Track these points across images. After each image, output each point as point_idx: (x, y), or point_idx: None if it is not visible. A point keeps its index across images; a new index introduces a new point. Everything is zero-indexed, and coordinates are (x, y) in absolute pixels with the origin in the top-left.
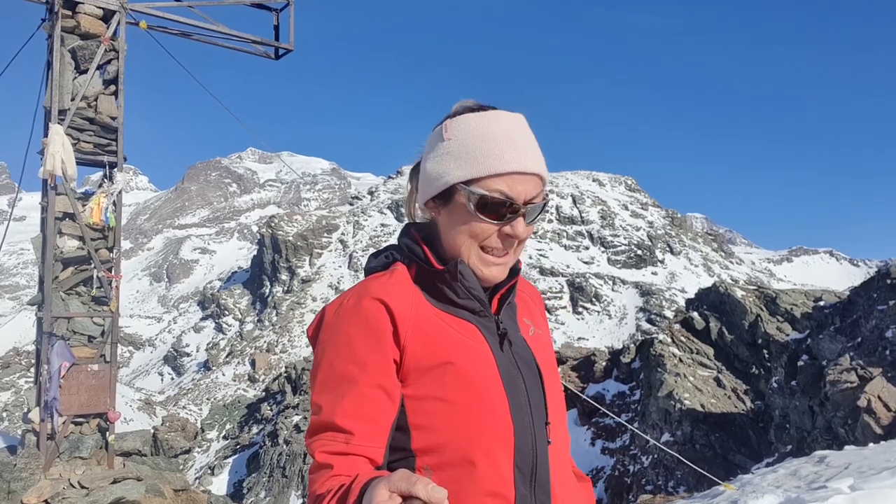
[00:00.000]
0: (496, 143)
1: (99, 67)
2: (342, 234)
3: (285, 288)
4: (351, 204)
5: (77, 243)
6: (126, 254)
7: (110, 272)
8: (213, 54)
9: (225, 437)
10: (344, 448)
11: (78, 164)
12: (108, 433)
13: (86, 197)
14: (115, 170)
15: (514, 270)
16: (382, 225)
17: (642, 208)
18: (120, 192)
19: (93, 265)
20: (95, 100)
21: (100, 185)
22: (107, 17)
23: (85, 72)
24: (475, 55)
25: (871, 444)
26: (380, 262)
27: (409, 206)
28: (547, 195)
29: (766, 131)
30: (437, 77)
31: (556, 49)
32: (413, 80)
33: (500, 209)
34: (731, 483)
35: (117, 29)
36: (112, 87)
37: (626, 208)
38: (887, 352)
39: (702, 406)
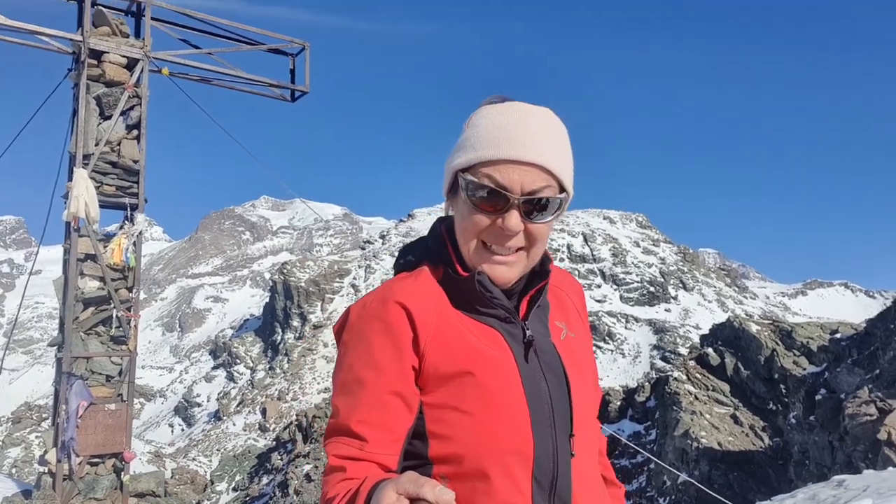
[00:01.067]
0: (499, 131)
1: (122, 113)
2: (354, 278)
3: (297, 334)
4: (363, 248)
5: (98, 284)
6: (140, 305)
7: (129, 311)
8: (227, 103)
9: (234, 489)
10: (357, 453)
11: (100, 206)
12: (123, 473)
13: (107, 238)
14: (136, 211)
15: (544, 272)
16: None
17: (654, 245)
18: (140, 233)
19: (112, 305)
20: (118, 144)
21: (121, 227)
22: (130, 65)
23: (109, 118)
24: (480, 94)
25: (889, 468)
26: (409, 261)
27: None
28: (563, 193)
29: (777, 164)
30: (447, 120)
31: (565, 90)
32: (422, 121)
33: (491, 199)
34: None
35: (140, 76)
36: (135, 132)
37: (638, 245)
38: None
39: (719, 444)
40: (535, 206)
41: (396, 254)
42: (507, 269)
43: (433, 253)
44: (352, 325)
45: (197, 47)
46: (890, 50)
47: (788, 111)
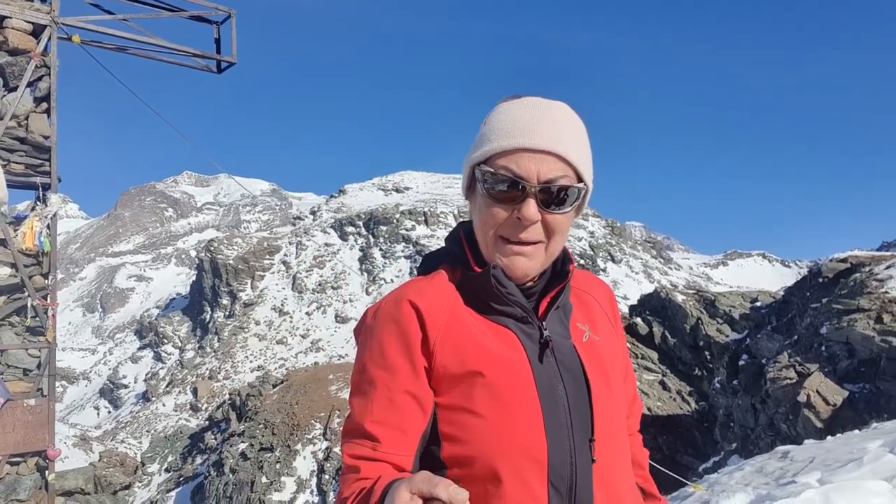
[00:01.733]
0: (513, 122)
1: (29, 84)
2: (285, 255)
3: (227, 313)
4: (293, 224)
5: (9, 271)
6: (57, 285)
7: (46, 300)
8: (150, 75)
9: (167, 470)
10: (371, 454)
11: (9, 186)
12: (47, 472)
13: (18, 221)
14: (49, 191)
15: (565, 272)
16: (326, 244)
17: (583, 219)
18: (55, 215)
19: (27, 293)
20: (26, 118)
21: (32, 209)
22: (37, 31)
23: (14, 89)
24: (420, 78)
25: (830, 438)
26: (428, 265)
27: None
28: (581, 184)
29: (698, 137)
30: (382, 96)
31: (497, 59)
32: (355, 98)
33: (508, 189)
34: (699, 483)
35: (48, 44)
36: (44, 105)
37: None
38: (823, 348)
39: (649, 409)
40: (552, 197)
41: (328, 230)
42: (525, 261)
43: (451, 255)
44: (367, 326)
45: (111, 13)
46: (801, 24)
47: (704, 83)
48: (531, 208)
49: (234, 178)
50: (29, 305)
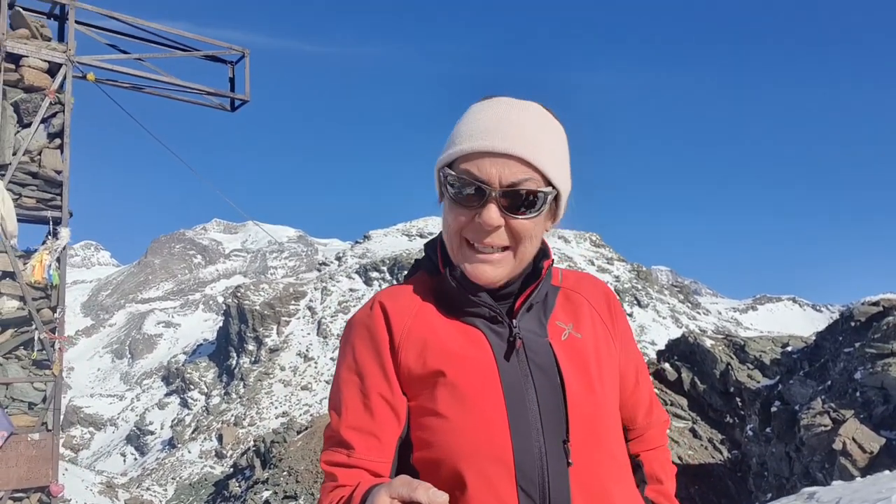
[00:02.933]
0: (477, 125)
1: (43, 121)
2: (310, 300)
3: (252, 358)
4: (318, 270)
5: (17, 303)
6: (87, 331)
7: (53, 333)
8: (176, 122)
9: None
10: (346, 460)
11: (20, 220)
12: None
13: (27, 254)
14: (60, 225)
15: (537, 271)
16: (351, 290)
17: (608, 263)
18: (64, 249)
19: (34, 326)
20: (39, 154)
21: (43, 242)
22: (52, 70)
23: (28, 125)
24: (435, 116)
25: (858, 479)
26: (411, 271)
27: None
28: (549, 188)
29: (726, 181)
30: (402, 141)
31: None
32: (378, 142)
33: (469, 193)
34: None
35: (63, 82)
36: (57, 141)
37: (593, 264)
38: (857, 393)
39: (679, 458)
40: (517, 201)
41: (353, 275)
42: (491, 269)
43: (428, 261)
44: (344, 333)
45: (126, 52)
46: (825, 59)
47: (735, 126)
48: (492, 213)
49: (259, 225)
50: (36, 339)
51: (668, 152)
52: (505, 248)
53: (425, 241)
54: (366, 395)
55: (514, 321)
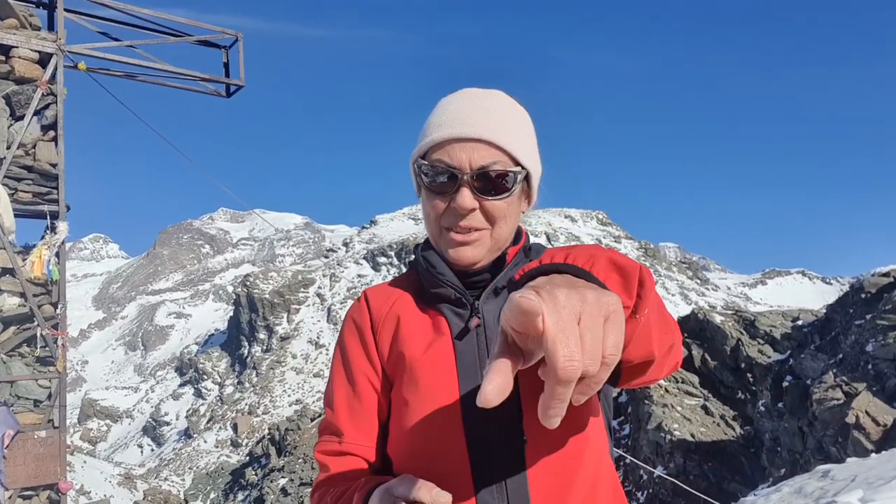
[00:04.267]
0: (445, 115)
1: (36, 113)
2: (319, 287)
3: (264, 347)
4: (326, 257)
5: (18, 300)
6: (99, 324)
7: (55, 329)
8: (170, 110)
9: None
10: (337, 447)
11: (17, 215)
12: None
13: (26, 250)
14: (58, 220)
15: (504, 255)
16: (359, 276)
17: (615, 241)
18: (63, 243)
19: (36, 323)
20: (33, 147)
21: (41, 237)
22: (43, 60)
23: (21, 118)
24: (438, 96)
25: (874, 455)
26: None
27: None
28: (518, 167)
29: (732, 156)
30: (408, 123)
31: (522, 89)
32: (384, 126)
33: (443, 180)
34: None
35: (55, 72)
36: (51, 133)
37: (600, 242)
38: (869, 366)
39: (692, 436)
40: (490, 183)
41: (361, 261)
42: (470, 249)
43: (417, 259)
44: (341, 325)
45: (118, 40)
46: (854, 42)
47: (741, 101)
48: (465, 196)
49: (260, 215)
50: (38, 335)
51: (675, 129)
52: (480, 229)
53: None
54: (355, 382)
55: (477, 303)
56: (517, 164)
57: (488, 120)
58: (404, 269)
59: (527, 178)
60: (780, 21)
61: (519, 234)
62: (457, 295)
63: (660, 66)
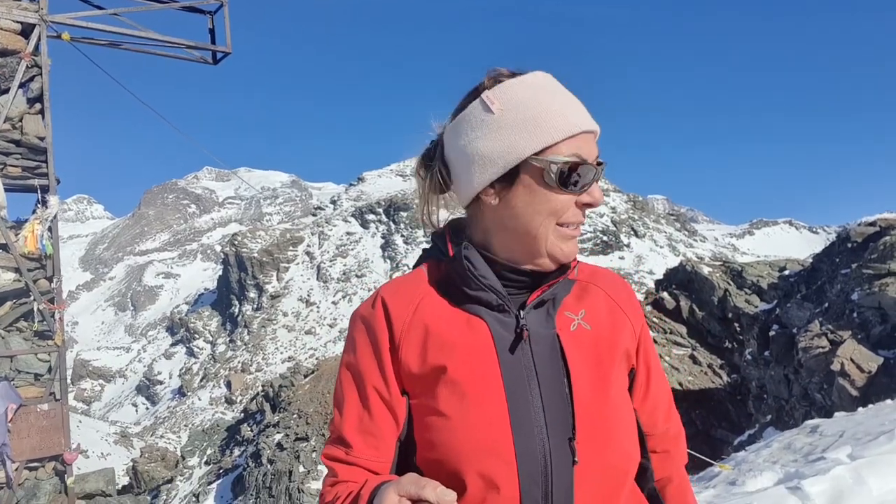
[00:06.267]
0: (558, 105)
1: (21, 85)
2: (308, 245)
3: (255, 305)
4: (314, 215)
5: (13, 275)
6: (87, 285)
7: (52, 303)
8: (154, 72)
9: (207, 463)
10: (344, 457)
11: (7, 190)
12: (66, 476)
13: (18, 225)
14: (48, 193)
15: (567, 265)
16: (348, 233)
17: (604, 195)
18: (55, 217)
19: (32, 297)
20: (20, 120)
21: (33, 211)
22: (26, 31)
23: (6, 91)
24: (437, 58)
25: (861, 409)
26: (418, 262)
27: (425, 209)
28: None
29: (719, 106)
30: (393, 80)
31: (508, 39)
32: (369, 81)
33: (583, 174)
34: (725, 463)
35: (38, 43)
36: (38, 106)
37: None
38: (854, 314)
39: (680, 385)
40: (600, 175)
41: (349, 218)
42: (576, 244)
43: (435, 250)
44: (349, 326)
45: (101, 8)
46: None
47: (729, 49)
48: (598, 191)
49: (241, 175)
50: (35, 310)
51: (660, 81)
52: None
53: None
54: (365, 394)
55: (521, 312)
56: None
57: (587, 111)
58: (393, 226)
59: None
60: None
61: None
62: (499, 301)
63: (648, 13)
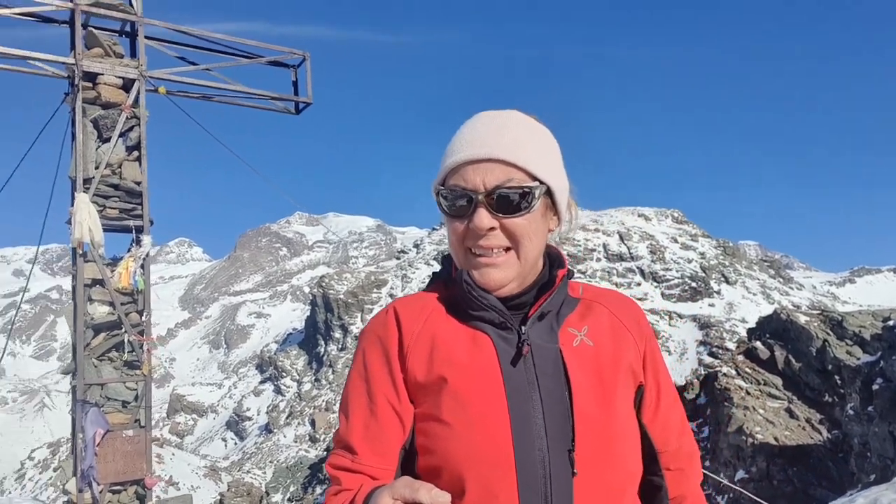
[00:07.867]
0: (459, 141)
1: (121, 135)
2: (391, 288)
3: (339, 346)
4: (397, 258)
5: (107, 309)
6: (185, 323)
7: (141, 335)
8: (242, 122)
9: (290, 500)
10: (350, 465)
11: (105, 230)
12: (146, 500)
13: (114, 262)
14: (142, 233)
15: (553, 279)
16: (430, 277)
17: (692, 240)
18: (147, 255)
19: (123, 330)
20: (119, 166)
21: (128, 250)
22: (127, 85)
23: (108, 140)
24: (504, 92)
25: None
26: (428, 284)
27: None
28: (535, 182)
29: (812, 149)
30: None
31: (586, 88)
32: (449, 128)
33: (460, 203)
34: None
35: (137, 96)
36: (135, 153)
37: (676, 241)
38: None
39: (775, 439)
40: (506, 200)
41: (432, 262)
42: (496, 271)
43: (444, 272)
44: (359, 338)
45: (194, 63)
46: None
47: (823, 93)
48: (481, 216)
49: (324, 222)
50: (126, 341)
51: (750, 124)
52: (507, 250)
53: None
54: (373, 400)
55: (523, 328)
56: (535, 179)
57: (500, 139)
58: None
59: (549, 193)
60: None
61: (559, 257)
62: (500, 319)
63: (738, 61)
